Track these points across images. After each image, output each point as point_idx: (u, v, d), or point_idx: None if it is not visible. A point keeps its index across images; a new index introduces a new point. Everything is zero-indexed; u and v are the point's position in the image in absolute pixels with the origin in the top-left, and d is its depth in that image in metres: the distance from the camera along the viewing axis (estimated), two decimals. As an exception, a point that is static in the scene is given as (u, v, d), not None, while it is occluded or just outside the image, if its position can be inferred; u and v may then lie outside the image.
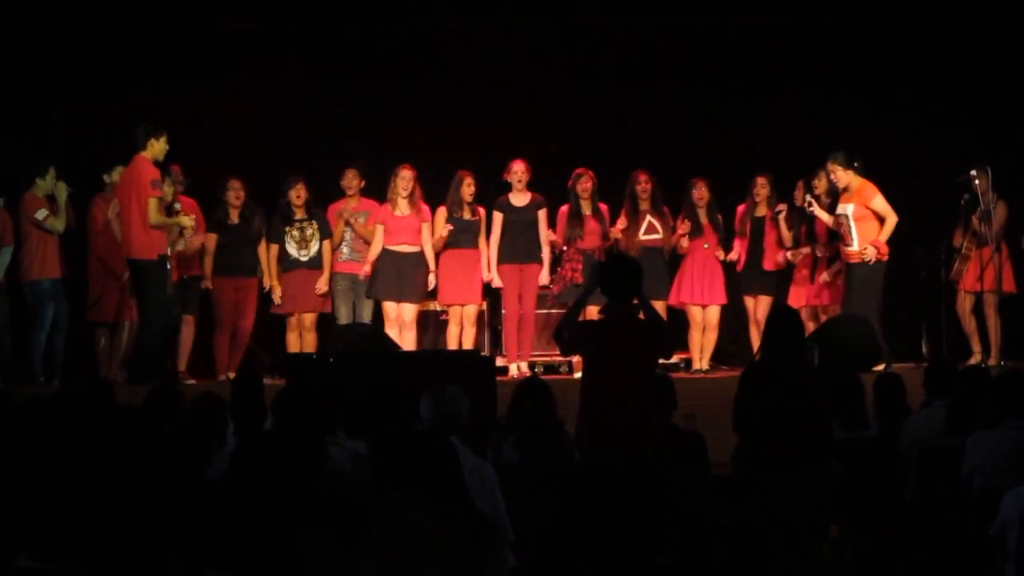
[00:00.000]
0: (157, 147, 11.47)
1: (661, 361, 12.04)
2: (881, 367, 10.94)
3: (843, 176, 11.86)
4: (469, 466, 5.96)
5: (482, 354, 11.65)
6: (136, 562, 4.25)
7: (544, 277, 12.37)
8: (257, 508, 4.78)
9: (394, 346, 11.33)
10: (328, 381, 8.80)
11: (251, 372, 8.94)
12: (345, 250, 12.46)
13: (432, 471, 5.19)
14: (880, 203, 11.81)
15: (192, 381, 11.87)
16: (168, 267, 11.60)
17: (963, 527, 6.90)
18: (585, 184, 12.37)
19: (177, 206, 11.89)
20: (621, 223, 12.44)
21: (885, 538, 7.77)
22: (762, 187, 12.61)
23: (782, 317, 7.84)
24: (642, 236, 12.42)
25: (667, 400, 7.91)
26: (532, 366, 12.47)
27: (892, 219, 11.81)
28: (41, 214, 11.65)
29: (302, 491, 5.04)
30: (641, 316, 7.34)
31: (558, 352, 11.27)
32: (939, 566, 7.37)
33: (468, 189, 12.19)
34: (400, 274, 12.17)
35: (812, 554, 7.37)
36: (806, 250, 12.44)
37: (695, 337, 12.60)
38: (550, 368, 12.78)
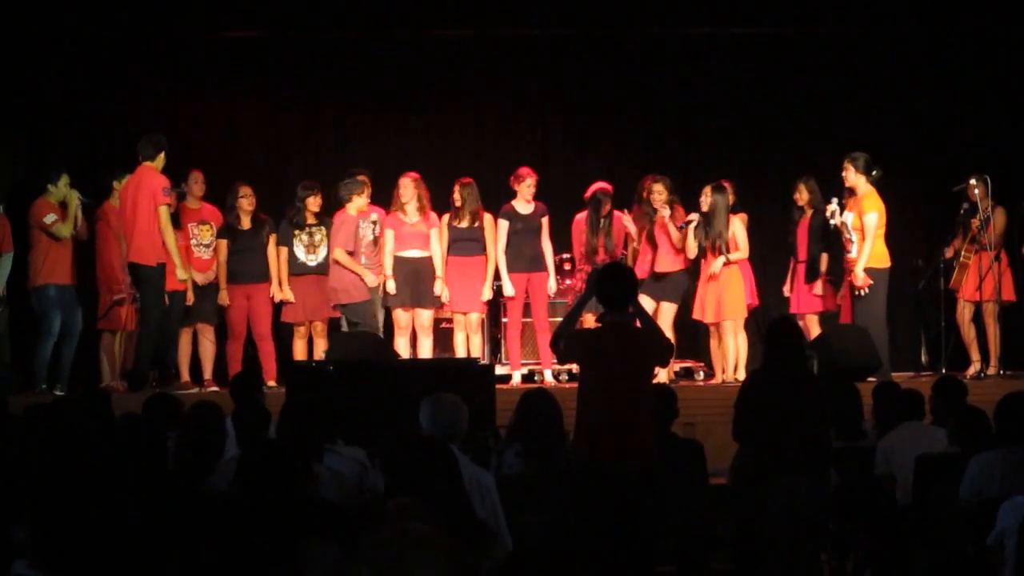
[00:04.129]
0: (162, 160, 11.53)
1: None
2: (877, 376, 10.92)
3: (852, 178, 11.81)
4: (468, 474, 5.97)
5: (481, 362, 11.63)
6: (134, 572, 4.25)
7: (552, 286, 12.35)
8: (258, 517, 4.79)
9: (394, 355, 11.33)
10: (328, 390, 8.82)
11: (248, 379, 8.93)
12: None
13: (431, 479, 5.20)
14: (871, 221, 11.63)
15: (215, 388, 11.78)
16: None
17: (960, 536, 6.90)
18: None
19: None
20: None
21: (883, 547, 7.78)
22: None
23: (782, 327, 7.85)
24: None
25: (668, 410, 7.94)
26: (556, 375, 12.42)
27: (869, 243, 11.61)
28: (49, 218, 11.67)
29: (302, 499, 5.06)
30: (637, 324, 7.36)
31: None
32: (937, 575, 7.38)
33: (459, 198, 12.17)
34: (412, 281, 12.12)
35: (810, 563, 7.38)
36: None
37: (713, 346, 12.55)
38: (574, 377, 12.65)
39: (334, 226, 11.92)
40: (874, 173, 11.79)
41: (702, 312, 12.15)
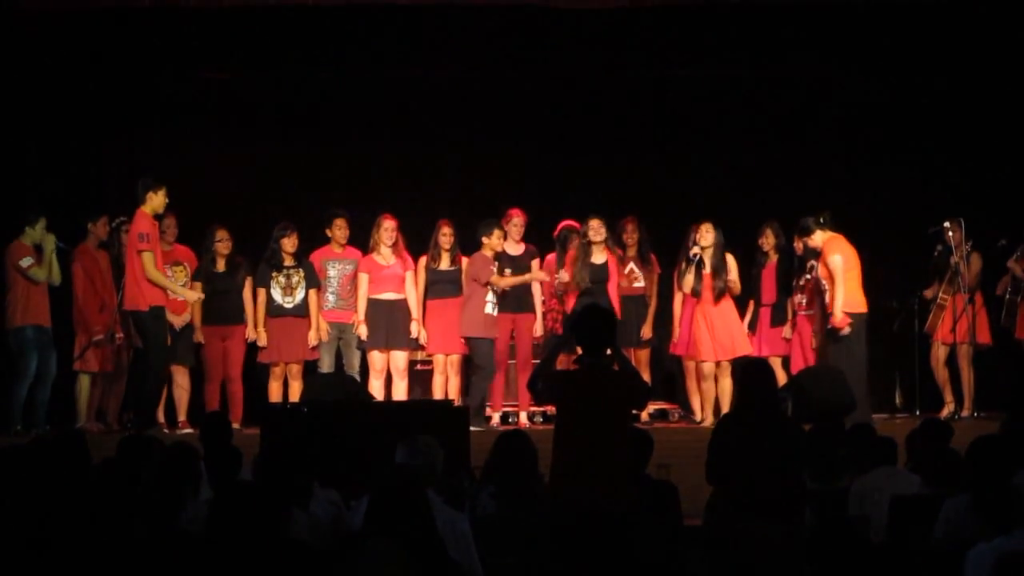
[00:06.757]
0: (156, 200, 11.46)
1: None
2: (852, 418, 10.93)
3: (812, 242, 11.93)
4: (443, 517, 5.97)
5: (455, 404, 11.62)
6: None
7: (538, 328, 12.36)
8: (232, 559, 4.79)
9: (369, 397, 11.32)
10: (302, 431, 8.81)
11: (220, 421, 8.92)
12: (331, 298, 12.37)
13: (405, 521, 5.20)
14: (835, 264, 11.74)
15: (189, 430, 11.68)
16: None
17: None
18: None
19: None
20: (564, 273, 12.36)
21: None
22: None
23: (755, 369, 7.86)
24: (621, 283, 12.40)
25: (644, 453, 7.93)
26: (532, 416, 12.42)
27: (838, 286, 11.68)
28: (26, 262, 11.71)
29: (275, 541, 5.05)
30: (615, 367, 7.36)
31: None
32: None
33: (444, 238, 12.19)
34: (386, 323, 12.16)
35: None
36: None
37: (691, 387, 12.58)
38: (549, 419, 12.56)
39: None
40: (822, 220, 11.88)
41: (711, 351, 12.21)
